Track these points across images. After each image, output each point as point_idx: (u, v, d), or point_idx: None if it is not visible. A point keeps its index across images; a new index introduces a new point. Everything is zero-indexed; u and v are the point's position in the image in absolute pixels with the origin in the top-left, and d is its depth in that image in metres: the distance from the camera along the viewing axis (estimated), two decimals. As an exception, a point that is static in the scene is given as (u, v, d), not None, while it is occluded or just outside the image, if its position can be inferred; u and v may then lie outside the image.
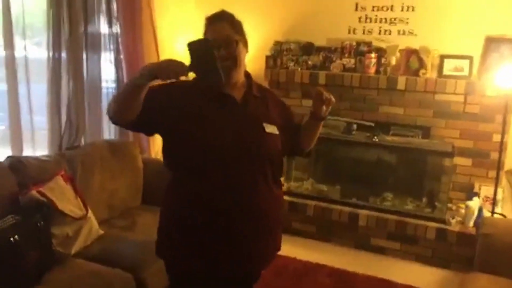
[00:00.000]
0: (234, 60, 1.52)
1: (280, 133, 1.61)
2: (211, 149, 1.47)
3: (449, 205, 3.26)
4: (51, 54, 2.75)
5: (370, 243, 3.30)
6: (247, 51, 1.60)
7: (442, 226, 3.07)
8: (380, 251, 3.28)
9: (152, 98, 1.45)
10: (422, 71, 3.26)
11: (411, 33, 3.41)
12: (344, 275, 2.95)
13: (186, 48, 1.35)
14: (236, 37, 1.54)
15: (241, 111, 1.56)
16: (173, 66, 1.32)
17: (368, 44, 3.48)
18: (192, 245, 1.55)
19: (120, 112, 1.46)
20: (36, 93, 2.73)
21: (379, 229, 3.25)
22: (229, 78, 1.51)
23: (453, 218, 3.10)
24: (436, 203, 3.28)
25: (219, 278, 1.60)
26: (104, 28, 3.21)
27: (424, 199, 3.38)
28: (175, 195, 1.60)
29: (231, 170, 1.49)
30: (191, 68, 1.33)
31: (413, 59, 3.31)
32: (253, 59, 3.77)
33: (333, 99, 1.57)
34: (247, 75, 1.65)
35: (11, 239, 1.82)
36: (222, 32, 1.51)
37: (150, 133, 1.63)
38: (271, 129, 1.57)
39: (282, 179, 3.47)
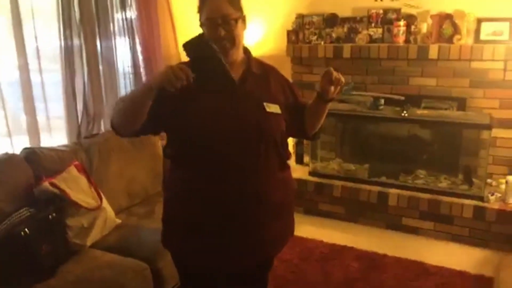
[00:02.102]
0: (232, 40, 1.44)
1: (283, 112, 1.51)
2: (208, 134, 1.40)
3: (489, 180, 3.02)
4: (63, 41, 2.71)
5: (401, 223, 3.13)
6: (245, 27, 1.51)
7: (480, 203, 2.86)
8: (412, 231, 3.10)
9: (155, 103, 1.36)
10: (456, 37, 2.98)
11: (444, -5, 3.11)
12: (373, 257, 2.82)
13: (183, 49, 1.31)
14: (235, 14, 1.43)
15: (239, 91, 1.46)
16: (177, 74, 1.22)
17: (397, 11, 3.22)
18: (196, 235, 1.48)
19: (128, 124, 1.40)
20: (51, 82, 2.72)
21: (411, 209, 3.06)
22: (227, 57, 1.42)
23: (492, 195, 2.87)
24: (474, 180, 3.05)
25: (228, 270, 1.54)
26: (118, 13, 3.15)
27: (460, 176, 3.16)
28: (175, 184, 1.54)
29: (231, 154, 1.41)
30: (193, 67, 1.26)
31: (447, 25, 3.02)
32: (274, 34, 3.62)
33: (342, 79, 1.45)
34: (246, 51, 1.56)
35: (21, 232, 1.82)
36: (220, 11, 1.41)
37: (157, 133, 1.62)
38: (273, 108, 1.48)
39: (307, 159, 3.48)
